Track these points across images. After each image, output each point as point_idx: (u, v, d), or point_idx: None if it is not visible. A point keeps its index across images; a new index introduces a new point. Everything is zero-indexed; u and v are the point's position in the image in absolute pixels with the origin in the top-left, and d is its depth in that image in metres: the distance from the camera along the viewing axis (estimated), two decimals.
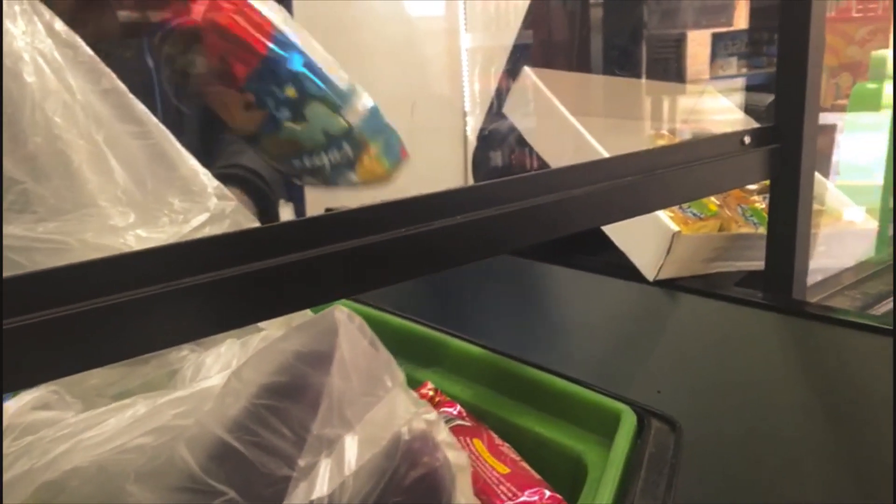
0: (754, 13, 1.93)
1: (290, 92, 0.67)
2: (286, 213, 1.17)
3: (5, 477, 0.39)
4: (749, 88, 1.94)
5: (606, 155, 0.84)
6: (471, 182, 1.51)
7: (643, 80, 1.46)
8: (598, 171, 0.57)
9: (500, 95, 1.49)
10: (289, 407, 0.38)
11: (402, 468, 0.38)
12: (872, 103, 1.05)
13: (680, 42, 1.78)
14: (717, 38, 2.01)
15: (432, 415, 0.40)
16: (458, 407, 0.62)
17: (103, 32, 0.81)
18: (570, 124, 0.92)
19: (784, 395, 0.74)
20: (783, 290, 0.77)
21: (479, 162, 1.47)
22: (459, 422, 0.60)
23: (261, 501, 0.37)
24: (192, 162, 0.58)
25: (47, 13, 0.57)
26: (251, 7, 0.67)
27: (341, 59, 0.71)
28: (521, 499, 0.51)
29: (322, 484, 0.37)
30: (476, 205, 0.48)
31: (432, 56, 2.29)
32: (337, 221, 0.42)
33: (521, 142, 1.14)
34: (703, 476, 0.77)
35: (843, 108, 1.12)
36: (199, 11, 0.68)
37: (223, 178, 0.90)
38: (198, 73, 0.71)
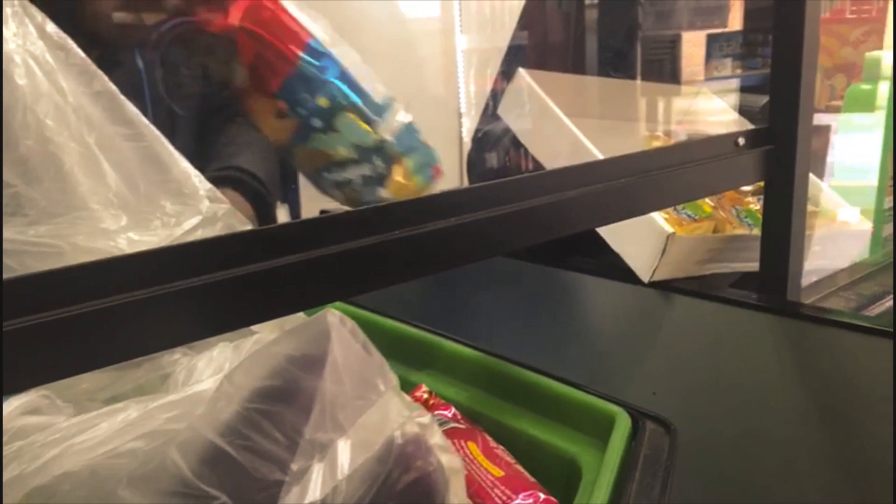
0: (749, 14, 1.94)
1: (323, 101, 0.66)
2: (281, 215, 1.17)
3: None
4: (744, 89, 1.94)
5: (601, 156, 0.84)
6: (465, 184, 1.51)
7: (638, 82, 1.46)
8: (593, 173, 0.57)
9: (495, 97, 1.49)
10: (281, 411, 0.38)
11: (396, 472, 0.37)
12: (867, 104, 1.05)
13: (675, 43, 1.78)
14: (711, 40, 2.01)
15: (426, 418, 0.40)
16: (453, 409, 0.62)
17: (137, 36, 0.81)
18: (565, 126, 0.92)
19: (779, 396, 0.74)
20: (778, 292, 0.77)
21: (474, 163, 1.47)
22: (454, 424, 0.60)
23: None
24: (185, 164, 0.58)
25: (39, 15, 0.57)
26: (287, 14, 0.67)
27: None
28: (516, 502, 0.50)
29: (315, 488, 0.37)
30: (471, 207, 0.48)
31: (428, 57, 2.29)
32: (331, 224, 0.42)
33: (516, 143, 1.14)
34: (698, 478, 0.77)
35: (837, 110, 1.12)
36: (235, 17, 0.67)
37: (220, 180, 0.91)
38: (233, 78, 0.71)
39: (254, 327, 0.53)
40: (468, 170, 1.48)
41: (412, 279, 0.46)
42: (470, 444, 0.57)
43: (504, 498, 0.51)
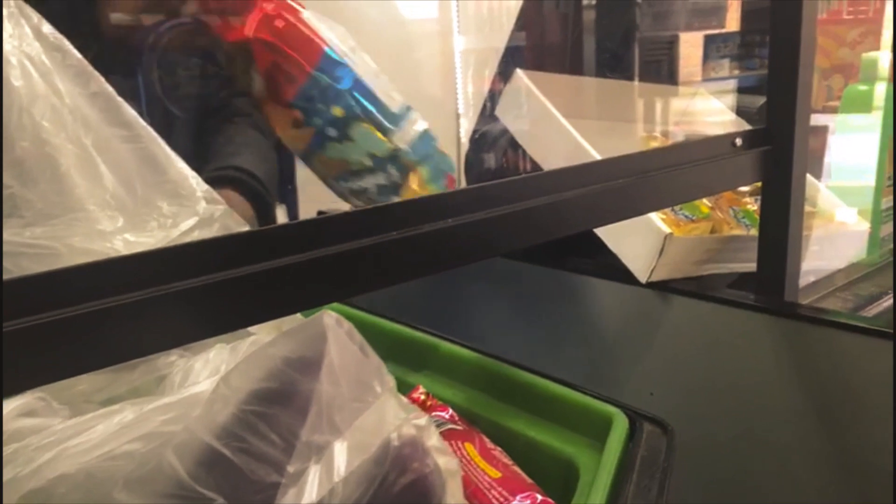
0: (746, 15, 1.94)
1: (337, 111, 0.66)
2: (279, 215, 1.17)
3: None
4: (741, 90, 1.94)
5: (598, 157, 0.84)
6: (463, 184, 1.51)
7: (635, 83, 1.46)
8: (591, 174, 0.57)
9: (493, 98, 1.49)
10: (278, 413, 0.38)
11: (392, 474, 0.37)
12: (864, 105, 1.05)
13: (672, 44, 1.78)
14: (709, 40, 2.01)
15: (422, 420, 0.40)
16: (450, 411, 0.62)
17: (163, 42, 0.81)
18: (563, 126, 0.92)
19: (776, 396, 0.74)
20: (775, 292, 0.77)
21: (472, 164, 1.47)
22: (451, 426, 0.60)
23: None
24: (181, 165, 0.58)
25: (35, 16, 0.56)
26: (304, 24, 0.67)
27: None
28: (513, 503, 0.50)
29: (311, 491, 0.37)
30: (468, 207, 0.48)
31: (426, 58, 2.29)
32: (328, 225, 0.42)
33: (514, 144, 1.14)
34: (696, 479, 0.77)
35: (834, 110, 1.12)
36: (251, 27, 0.67)
37: (219, 179, 0.91)
38: (251, 86, 0.71)
39: (251, 329, 0.53)
40: (466, 171, 1.48)
41: (410, 280, 0.46)
42: (467, 445, 0.57)
43: (501, 499, 0.51)
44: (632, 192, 0.61)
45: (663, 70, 1.75)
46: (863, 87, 1.06)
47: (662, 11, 1.76)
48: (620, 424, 0.55)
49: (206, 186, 0.58)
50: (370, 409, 0.40)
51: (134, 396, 0.46)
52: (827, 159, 1.07)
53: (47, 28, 0.56)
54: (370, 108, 0.67)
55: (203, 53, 0.97)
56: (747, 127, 1.06)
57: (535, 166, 1.00)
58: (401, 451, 0.38)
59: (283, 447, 0.38)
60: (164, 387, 0.49)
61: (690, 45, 1.88)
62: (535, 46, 1.54)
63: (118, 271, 0.35)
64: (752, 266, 0.80)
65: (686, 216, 0.86)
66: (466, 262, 0.49)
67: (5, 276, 0.32)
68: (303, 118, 0.68)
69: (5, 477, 0.39)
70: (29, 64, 0.53)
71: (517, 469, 0.55)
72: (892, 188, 1.02)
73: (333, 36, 0.69)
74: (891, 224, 1.03)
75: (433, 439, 0.40)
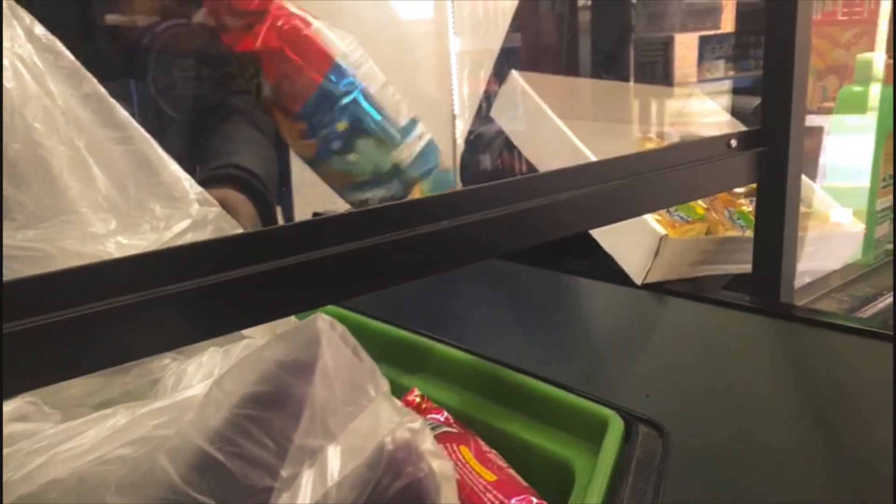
0: (741, 16, 1.94)
1: (342, 125, 0.67)
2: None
3: None
4: (736, 91, 1.94)
5: (594, 158, 0.84)
6: (459, 185, 1.51)
7: (631, 84, 1.46)
8: (586, 175, 0.57)
9: (489, 99, 1.49)
10: (271, 417, 0.38)
11: (386, 478, 0.37)
12: (859, 106, 1.06)
13: (667, 45, 1.78)
14: (704, 41, 2.02)
15: (417, 423, 0.40)
16: (445, 413, 0.62)
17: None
18: (558, 128, 0.91)
19: (772, 398, 0.74)
20: (771, 294, 0.77)
21: (467, 165, 1.47)
22: (446, 428, 0.60)
23: None
24: (175, 167, 0.57)
25: (27, 17, 0.56)
26: (314, 36, 0.67)
27: None
28: None
29: (304, 495, 0.37)
30: (464, 209, 0.48)
31: (421, 59, 2.29)
32: (324, 226, 0.42)
33: (509, 145, 1.14)
34: (692, 481, 0.77)
35: (829, 111, 1.12)
36: (260, 37, 0.67)
37: (220, 178, 0.91)
38: (260, 94, 0.71)
39: (244, 332, 0.53)
40: (461, 172, 1.48)
41: (405, 282, 0.45)
42: (462, 448, 0.56)
43: (496, 502, 0.51)
44: (627, 193, 0.61)
45: (658, 71, 1.75)
46: (857, 89, 1.07)
47: (657, 12, 1.77)
48: (616, 427, 0.54)
49: (199, 189, 0.58)
50: (364, 413, 0.40)
51: (127, 400, 0.46)
52: (822, 160, 1.07)
53: (39, 29, 0.56)
54: (374, 123, 0.68)
55: (200, 53, 0.97)
56: (742, 128, 1.06)
57: (531, 167, 1.00)
58: (395, 455, 0.38)
59: (276, 451, 0.37)
60: (158, 390, 0.49)
61: (685, 46, 1.88)
62: (531, 47, 1.54)
63: (112, 274, 0.35)
64: (747, 267, 0.80)
65: (681, 217, 0.86)
66: (462, 263, 0.49)
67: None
68: (308, 130, 0.68)
69: None
70: (21, 65, 0.53)
71: (512, 472, 0.55)
72: (888, 189, 1.02)
73: (344, 46, 0.69)
74: (886, 225, 1.03)
75: (427, 443, 0.39)
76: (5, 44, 0.53)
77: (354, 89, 0.67)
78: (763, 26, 0.74)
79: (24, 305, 0.32)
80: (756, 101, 0.79)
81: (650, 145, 1.10)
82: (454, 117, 2.33)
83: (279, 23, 0.67)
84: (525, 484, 0.54)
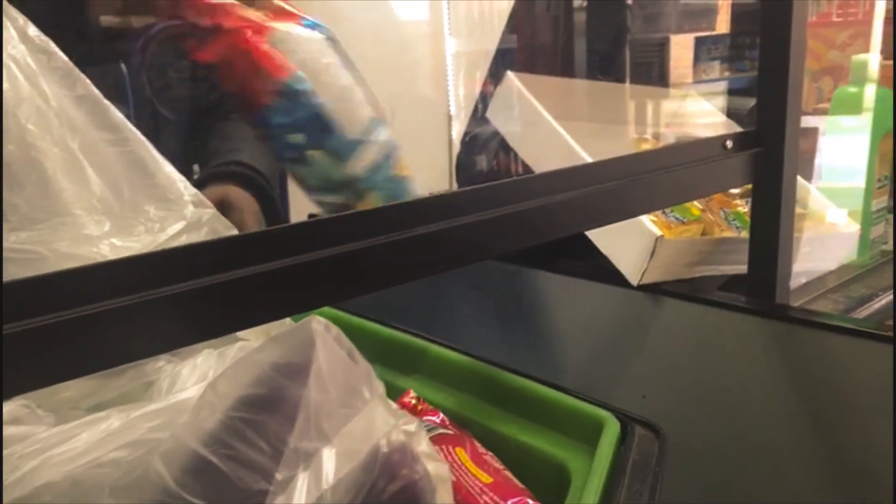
0: (736, 17, 1.95)
1: (294, 138, 0.67)
2: None
3: None
4: (731, 92, 1.95)
5: (590, 159, 0.84)
6: (455, 187, 1.51)
7: (626, 85, 1.46)
8: (582, 176, 0.57)
9: (484, 100, 1.49)
10: (265, 420, 0.38)
11: (381, 481, 0.37)
12: (854, 107, 1.06)
13: (663, 46, 1.78)
14: (699, 42, 2.02)
15: (412, 426, 0.40)
16: (441, 415, 0.62)
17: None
18: (554, 129, 0.91)
19: (768, 399, 0.74)
20: (766, 295, 0.77)
21: (463, 166, 1.47)
22: (442, 430, 0.60)
23: None
24: (169, 169, 0.57)
25: (20, 18, 0.56)
26: (268, 50, 0.67)
27: None
28: None
29: (299, 498, 0.37)
30: (460, 210, 0.48)
31: (417, 60, 2.29)
32: (319, 228, 0.42)
33: (505, 146, 1.14)
34: (688, 483, 0.77)
35: (824, 112, 1.12)
36: (215, 49, 0.67)
37: (222, 175, 0.91)
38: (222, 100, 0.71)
39: (239, 333, 0.53)
40: (457, 173, 1.48)
41: (402, 283, 0.45)
42: (458, 449, 0.56)
43: None
44: (623, 194, 0.61)
45: (654, 72, 1.76)
46: (853, 89, 1.07)
47: (653, 14, 1.77)
48: (612, 428, 0.54)
49: (194, 190, 0.57)
50: (359, 416, 0.40)
51: (121, 403, 0.45)
52: (817, 161, 1.08)
53: (33, 30, 0.55)
54: (325, 137, 0.68)
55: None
56: (738, 129, 1.06)
57: (527, 169, 1.00)
58: (390, 458, 0.38)
59: (270, 454, 0.37)
60: (152, 393, 0.49)
61: (681, 48, 1.89)
62: (526, 48, 1.54)
63: (108, 276, 0.35)
64: (743, 268, 0.80)
65: (677, 218, 0.86)
66: (458, 265, 0.49)
67: None
68: (265, 136, 0.69)
69: None
70: (14, 66, 0.53)
71: (508, 474, 0.55)
72: (883, 189, 1.03)
73: (306, 53, 0.68)
74: (881, 225, 1.04)
75: (423, 445, 0.39)
76: None
77: (306, 105, 0.67)
78: (758, 27, 0.74)
79: (23, 306, 0.32)
80: (751, 102, 0.79)
81: (646, 146, 1.10)
82: (450, 118, 2.34)
83: (235, 36, 0.67)
84: (521, 486, 0.54)
